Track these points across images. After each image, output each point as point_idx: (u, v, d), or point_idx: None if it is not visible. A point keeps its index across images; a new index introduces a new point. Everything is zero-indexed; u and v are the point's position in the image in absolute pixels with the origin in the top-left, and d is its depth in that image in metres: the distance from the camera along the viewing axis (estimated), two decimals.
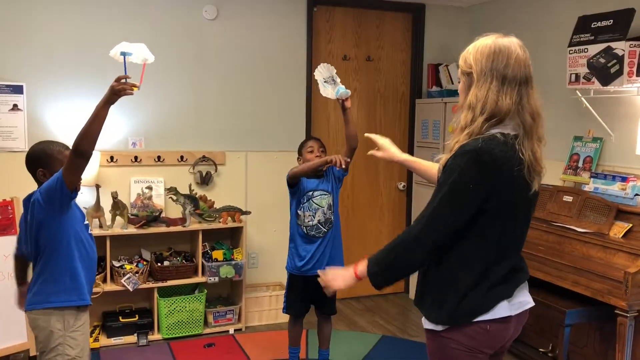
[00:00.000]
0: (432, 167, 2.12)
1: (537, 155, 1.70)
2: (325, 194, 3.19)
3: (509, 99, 1.65)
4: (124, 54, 2.17)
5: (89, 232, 2.36)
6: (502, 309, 1.71)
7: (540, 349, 3.55)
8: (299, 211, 3.19)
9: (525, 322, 1.83)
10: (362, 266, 1.79)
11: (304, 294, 3.24)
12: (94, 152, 2.13)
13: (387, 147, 2.22)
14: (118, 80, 2.07)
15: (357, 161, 4.65)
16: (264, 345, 3.86)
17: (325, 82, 3.11)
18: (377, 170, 4.90)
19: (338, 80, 3.08)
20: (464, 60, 1.75)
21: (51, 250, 2.21)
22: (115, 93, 2.05)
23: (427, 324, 1.78)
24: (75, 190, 2.15)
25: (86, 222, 2.36)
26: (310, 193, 3.18)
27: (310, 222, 3.16)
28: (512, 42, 1.71)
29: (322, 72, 3.12)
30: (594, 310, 3.06)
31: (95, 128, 2.06)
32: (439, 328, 1.74)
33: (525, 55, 1.71)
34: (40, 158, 2.26)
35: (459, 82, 1.81)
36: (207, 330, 4.06)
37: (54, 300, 2.19)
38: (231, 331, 4.09)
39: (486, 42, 1.71)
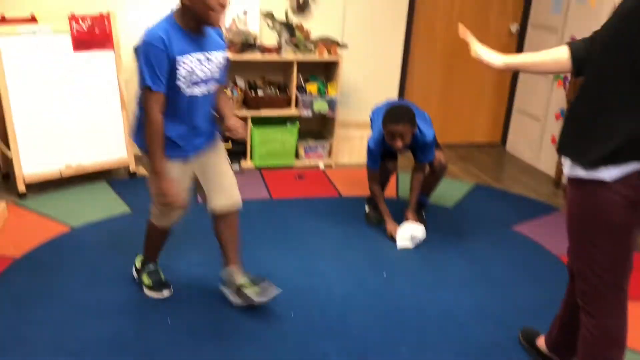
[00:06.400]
0: (558, 57, 1.67)
1: None
2: None
3: None
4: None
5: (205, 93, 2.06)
6: None
7: None
8: None
9: None
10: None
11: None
12: None
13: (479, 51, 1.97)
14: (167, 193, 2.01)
15: None
16: (353, 182, 3.83)
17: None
18: (489, 6, 4.39)
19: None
20: None
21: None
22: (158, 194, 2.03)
23: (576, 171, 1.53)
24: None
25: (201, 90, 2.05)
26: None
27: None
28: None
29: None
30: None
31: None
32: (595, 177, 1.48)
33: None
34: None
35: None
36: (298, 164, 4.06)
37: (143, 145, 2.05)
38: (321, 166, 4.07)
39: None
